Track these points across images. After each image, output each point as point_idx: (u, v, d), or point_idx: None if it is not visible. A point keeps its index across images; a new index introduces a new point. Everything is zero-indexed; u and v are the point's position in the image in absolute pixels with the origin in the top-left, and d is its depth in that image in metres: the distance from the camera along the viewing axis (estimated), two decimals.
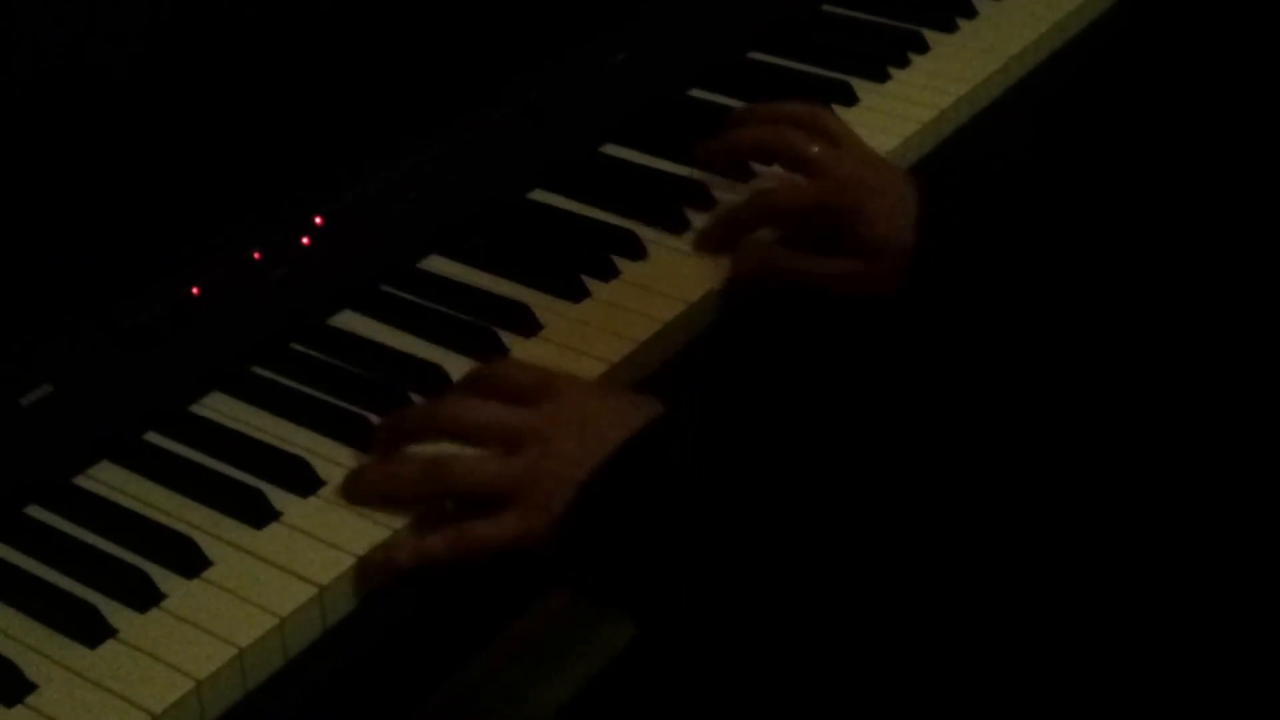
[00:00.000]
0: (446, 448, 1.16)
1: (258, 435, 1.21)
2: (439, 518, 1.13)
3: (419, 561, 1.11)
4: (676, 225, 1.40)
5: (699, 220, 1.41)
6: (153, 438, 1.21)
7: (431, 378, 1.24)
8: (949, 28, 1.67)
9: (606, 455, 1.10)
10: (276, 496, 1.15)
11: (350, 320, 1.32)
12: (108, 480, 1.18)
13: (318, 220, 1.32)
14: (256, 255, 1.28)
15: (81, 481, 1.18)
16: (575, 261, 1.35)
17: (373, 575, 1.11)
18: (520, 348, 1.28)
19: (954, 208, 1.31)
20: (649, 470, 1.10)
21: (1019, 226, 1.31)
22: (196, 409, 1.24)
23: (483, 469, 1.13)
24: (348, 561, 1.11)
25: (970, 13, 1.69)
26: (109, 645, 1.06)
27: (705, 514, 1.08)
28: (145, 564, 1.10)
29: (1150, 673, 1.00)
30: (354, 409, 1.22)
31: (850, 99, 1.56)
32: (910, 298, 1.27)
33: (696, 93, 1.59)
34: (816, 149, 1.35)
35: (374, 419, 1.20)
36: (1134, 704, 1.00)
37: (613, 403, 1.16)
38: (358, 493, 1.15)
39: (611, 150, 1.51)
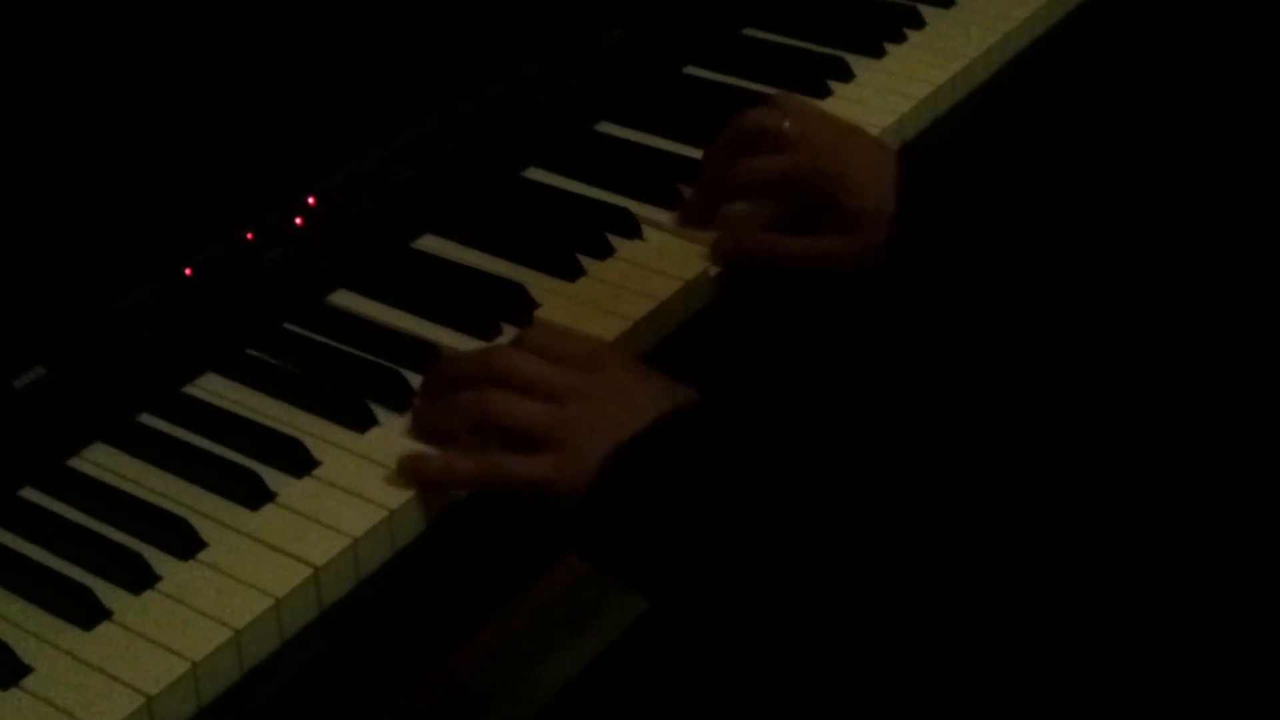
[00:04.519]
0: None
1: (252, 416, 1.21)
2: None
3: (446, 476, 1.14)
4: (671, 203, 1.40)
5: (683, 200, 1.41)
6: (147, 419, 1.21)
7: (427, 358, 1.24)
8: (946, 3, 1.67)
9: (640, 427, 1.11)
10: (271, 477, 1.15)
11: (344, 300, 1.31)
12: (102, 462, 1.18)
13: (311, 200, 1.31)
14: (250, 235, 1.28)
15: (75, 463, 1.18)
16: (570, 240, 1.35)
17: (404, 477, 1.14)
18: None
19: (933, 175, 1.30)
20: (682, 447, 1.11)
21: (1005, 195, 1.31)
22: (190, 390, 1.23)
23: (528, 408, 1.14)
24: (343, 542, 1.10)
25: None
26: (104, 627, 1.06)
27: (728, 497, 1.08)
28: (140, 546, 1.10)
29: (1150, 672, 1.00)
30: (349, 390, 1.21)
31: (846, 75, 1.56)
32: (893, 268, 1.27)
33: (691, 70, 1.59)
34: (788, 124, 1.34)
35: (369, 400, 1.20)
36: (1134, 704, 1.00)
37: (653, 381, 1.17)
38: (416, 425, 1.18)
39: (606, 128, 1.51)
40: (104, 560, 1.09)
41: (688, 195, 1.40)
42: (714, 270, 1.34)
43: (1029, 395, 1.13)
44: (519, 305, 1.29)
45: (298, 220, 1.30)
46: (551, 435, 1.13)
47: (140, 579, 1.08)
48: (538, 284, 1.31)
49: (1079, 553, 1.02)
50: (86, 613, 1.06)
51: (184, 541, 1.10)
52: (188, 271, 1.24)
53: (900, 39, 1.61)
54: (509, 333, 1.27)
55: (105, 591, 1.07)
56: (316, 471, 1.16)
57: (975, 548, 1.03)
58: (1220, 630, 0.99)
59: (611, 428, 1.12)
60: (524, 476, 1.12)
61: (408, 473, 1.14)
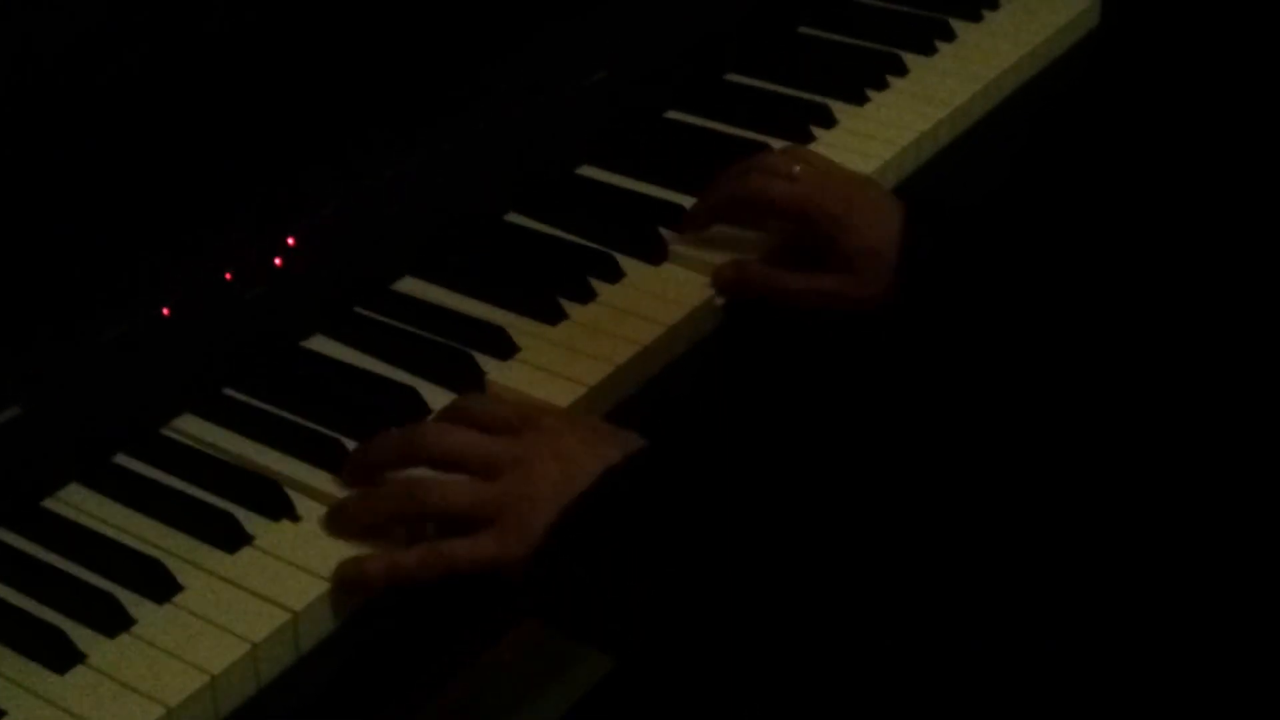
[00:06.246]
0: (423, 473, 1.15)
1: (229, 458, 1.19)
2: (416, 539, 1.12)
3: (391, 576, 1.10)
4: (653, 247, 1.39)
5: (676, 243, 1.40)
6: (123, 460, 1.20)
7: (406, 400, 1.23)
8: (927, 50, 1.67)
9: (585, 485, 1.09)
10: (249, 520, 1.14)
11: (323, 342, 1.30)
12: (77, 503, 1.17)
13: (290, 241, 1.30)
14: (228, 276, 1.27)
15: (50, 504, 1.16)
16: (552, 284, 1.34)
17: (347, 589, 1.10)
18: (496, 370, 1.27)
19: (935, 222, 1.31)
20: (627, 503, 1.09)
21: (1003, 242, 1.31)
22: (167, 431, 1.22)
23: (462, 490, 1.12)
24: (321, 586, 1.09)
25: (949, 36, 1.69)
26: (78, 671, 1.04)
27: (680, 549, 1.07)
28: (115, 589, 1.09)
29: (1150, 672, 0.99)
30: (327, 432, 1.20)
31: (829, 121, 1.55)
32: (897, 312, 1.27)
33: (674, 114, 1.58)
34: (799, 168, 1.35)
35: (348, 442, 1.19)
36: (1134, 704, 0.99)
37: (592, 436, 1.15)
38: (339, 522, 1.14)
39: (588, 172, 1.50)
40: (78, 603, 1.08)
41: (677, 244, 1.40)
42: (698, 311, 1.33)
43: (1030, 400, 1.13)
44: (500, 348, 1.28)
45: (277, 260, 1.29)
46: (491, 513, 1.10)
47: (115, 622, 1.07)
48: (519, 327, 1.30)
49: (1079, 553, 1.01)
50: (60, 656, 1.05)
51: (159, 584, 1.09)
52: (165, 311, 1.23)
53: (883, 86, 1.61)
54: (492, 375, 1.26)
55: (79, 635, 1.06)
56: (295, 514, 1.15)
57: (975, 550, 1.03)
58: (1220, 630, 0.99)
59: (553, 491, 1.09)
60: (469, 558, 1.10)
61: (350, 579, 1.10)
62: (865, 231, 1.30)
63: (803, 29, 1.72)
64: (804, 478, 1.09)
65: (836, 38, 1.70)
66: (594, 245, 1.40)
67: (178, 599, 1.09)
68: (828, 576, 1.04)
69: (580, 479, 1.10)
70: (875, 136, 1.54)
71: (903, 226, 1.30)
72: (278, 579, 1.10)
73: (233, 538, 1.12)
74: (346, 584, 1.10)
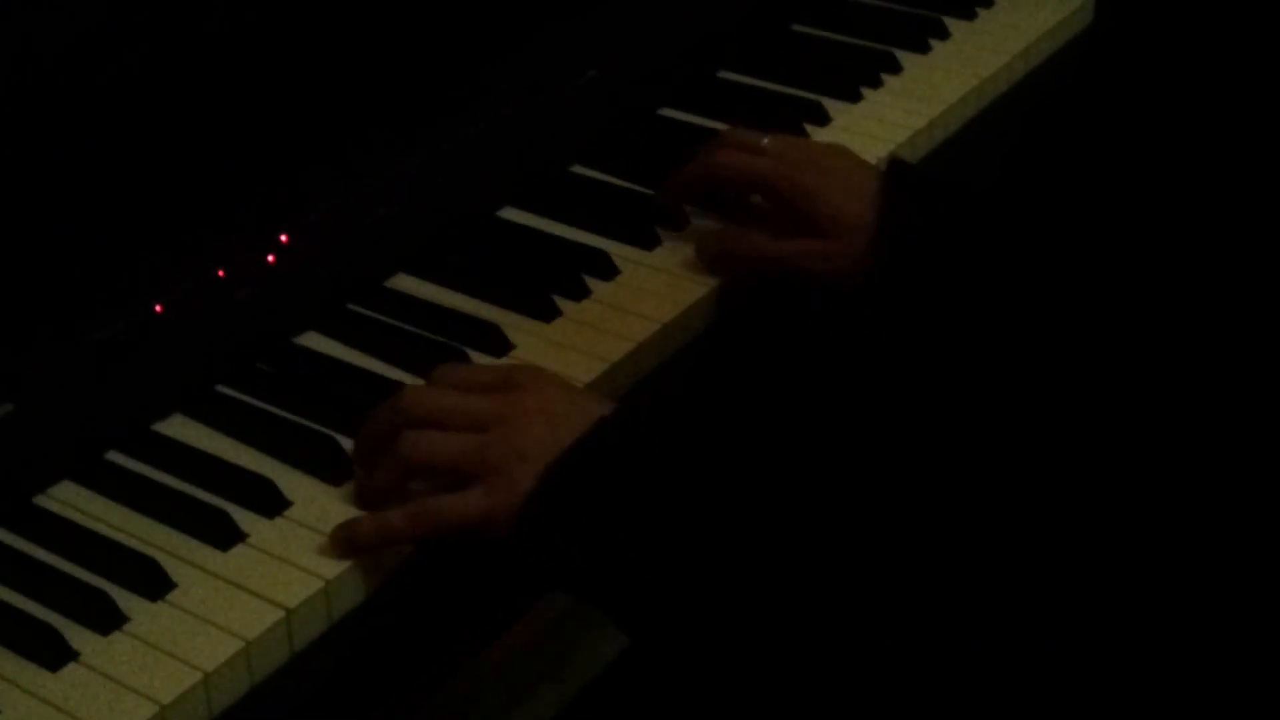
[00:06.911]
0: None
1: (223, 455, 1.19)
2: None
3: (380, 536, 1.10)
4: (648, 244, 1.39)
5: (670, 240, 1.40)
6: (115, 457, 1.19)
7: None
8: (922, 48, 1.66)
9: (570, 439, 1.09)
10: (242, 518, 1.13)
11: (317, 340, 1.30)
12: (69, 500, 1.16)
13: (283, 238, 1.30)
14: (221, 273, 1.26)
15: (42, 501, 1.16)
16: (546, 281, 1.34)
17: (341, 553, 1.10)
18: None
19: (914, 189, 1.31)
20: (617, 453, 1.09)
21: (987, 218, 1.31)
22: (160, 428, 1.22)
23: (448, 442, 1.11)
24: (315, 584, 1.09)
25: (943, 34, 1.68)
26: (70, 668, 1.04)
27: (670, 502, 1.06)
28: (108, 586, 1.08)
29: (1150, 672, 0.99)
30: (321, 429, 1.20)
31: (823, 119, 1.55)
32: (878, 279, 1.27)
33: (667, 112, 1.58)
34: (766, 141, 1.36)
35: (342, 439, 1.18)
36: (1134, 704, 0.99)
37: (573, 393, 1.15)
38: (360, 500, 1.15)
39: (582, 169, 1.50)
40: (71, 600, 1.08)
41: (672, 240, 1.40)
42: (695, 306, 1.33)
43: (1024, 398, 1.13)
44: (494, 345, 1.28)
45: (270, 258, 1.29)
46: (478, 465, 1.10)
47: (108, 620, 1.06)
48: (513, 325, 1.30)
49: (1079, 553, 1.01)
50: (53, 654, 1.04)
51: (153, 582, 1.09)
52: (158, 308, 1.23)
53: (877, 84, 1.61)
54: None
55: (72, 632, 1.06)
56: (288, 512, 1.14)
57: (975, 548, 1.03)
58: (1220, 630, 0.99)
59: (539, 447, 1.09)
60: (458, 514, 1.09)
61: (341, 546, 1.11)
62: (838, 199, 1.31)
63: (797, 27, 1.72)
64: (797, 462, 1.09)
65: (831, 35, 1.70)
66: (588, 242, 1.39)
67: (171, 596, 1.08)
68: (820, 553, 1.03)
69: (565, 433, 1.09)
70: (870, 134, 1.54)
71: (880, 193, 1.30)
72: (271, 576, 1.09)
73: (226, 535, 1.12)
74: (340, 548, 1.10)
